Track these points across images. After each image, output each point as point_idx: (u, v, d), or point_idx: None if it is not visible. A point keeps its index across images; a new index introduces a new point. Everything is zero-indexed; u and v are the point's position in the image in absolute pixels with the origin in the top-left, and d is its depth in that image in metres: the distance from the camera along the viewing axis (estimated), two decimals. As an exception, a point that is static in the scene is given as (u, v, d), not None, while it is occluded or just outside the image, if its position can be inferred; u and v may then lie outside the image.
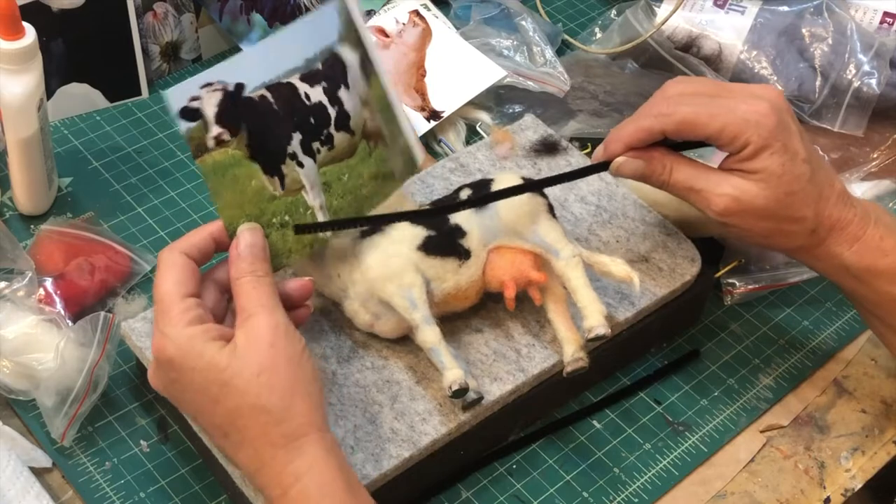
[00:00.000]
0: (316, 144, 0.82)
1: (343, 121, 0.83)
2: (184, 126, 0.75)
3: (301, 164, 0.81)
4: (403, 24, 1.16)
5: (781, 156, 0.80)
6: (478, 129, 1.12)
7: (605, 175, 1.00)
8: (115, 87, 1.13)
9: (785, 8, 1.19)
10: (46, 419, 0.85)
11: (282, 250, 0.80)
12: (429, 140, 1.11)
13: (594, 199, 0.98)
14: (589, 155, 1.03)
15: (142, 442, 0.87)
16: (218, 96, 0.76)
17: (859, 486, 0.90)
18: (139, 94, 1.14)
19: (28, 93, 0.93)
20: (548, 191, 0.88)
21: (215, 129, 0.76)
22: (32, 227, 1.00)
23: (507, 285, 0.84)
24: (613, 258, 0.86)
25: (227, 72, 0.77)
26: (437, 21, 1.17)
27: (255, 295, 0.74)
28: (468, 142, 1.12)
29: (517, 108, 1.13)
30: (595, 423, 0.91)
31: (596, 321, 0.82)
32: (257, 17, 1.16)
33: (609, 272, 0.85)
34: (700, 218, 0.99)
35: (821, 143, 1.12)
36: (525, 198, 0.85)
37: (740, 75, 1.17)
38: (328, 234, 0.82)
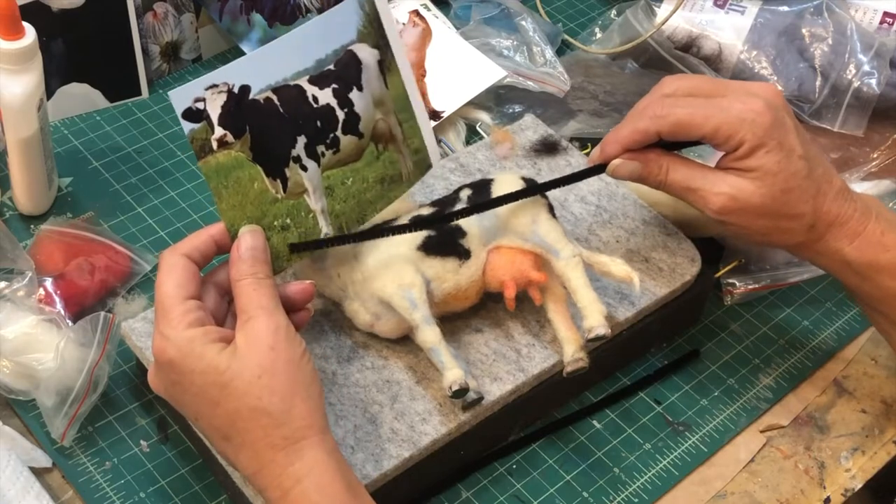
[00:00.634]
0: (321, 148, 0.82)
1: (352, 124, 0.83)
2: (187, 127, 0.76)
3: (304, 168, 0.81)
4: (403, 24, 1.16)
5: (777, 153, 0.81)
6: (478, 129, 1.12)
7: (604, 175, 1.00)
8: (115, 87, 1.13)
9: (785, 8, 1.19)
10: (46, 419, 0.85)
11: (283, 253, 0.80)
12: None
13: (594, 199, 0.98)
14: (589, 155, 1.03)
15: (142, 442, 0.87)
16: (222, 98, 0.76)
17: (859, 486, 0.90)
18: (139, 94, 1.14)
19: (28, 93, 0.93)
20: (547, 192, 0.88)
21: (219, 132, 0.76)
22: (32, 227, 1.00)
23: (507, 285, 0.84)
24: (613, 258, 0.86)
25: (234, 73, 0.77)
26: (437, 21, 1.17)
27: (255, 297, 0.73)
28: (468, 142, 1.12)
29: (517, 108, 1.13)
30: (595, 423, 0.91)
31: (596, 321, 0.82)
32: (257, 17, 1.16)
33: (609, 272, 0.85)
34: (700, 218, 0.99)
35: (821, 143, 1.12)
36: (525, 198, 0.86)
37: (740, 75, 1.17)
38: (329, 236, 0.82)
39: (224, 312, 0.78)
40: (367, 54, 0.83)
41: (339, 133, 0.82)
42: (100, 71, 1.11)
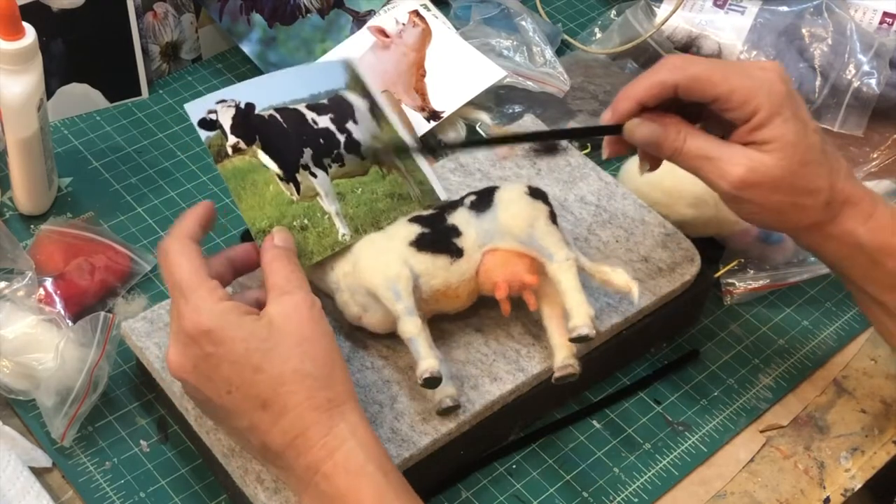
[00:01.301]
0: (327, 160, 0.86)
1: (353, 145, 0.88)
2: (204, 135, 0.83)
3: (314, 175, 0.85)
4: (403, 24, 1.16)
5: (794, 124, 0.78)
6: (478, 129, 1.12)
7: (604, 175, 1.00)
8: (115, 87, 1.13)
9: (785, 8, 1.19)
10: (46, 419, 0.85)
11: (304, 251, 0.82)
12: (429, 140, 1.10)
13: (594, 199, 0.98)
14: (589, 155, 1.03)
15: (142, 442, 0.87)
16: (231, 111, 0.84)
17: (859, 486, 0.90)
18: (139, 94, 1.14)
19: (28, 93, 0.93)
20: (547, 191, 0.88)
21: (232, 139, 0.83)
22: (32, 227, 1.00)
23: (499, 286, 0.84)
24: (615, 268, 0.85)
25: (239, 93, 0.85)
26: (437, 21, 1.17)
27: (293, 276, 0.75)
28: (468, 142, 1.12)
29: (517, 108, 1.13)
30: (595, 422, 0.91)
31: (581, 321, 0.82)
32: (257, 17, 1.16)
33: (609, 281, 0.85)
34: (700, 218, 0.99)
35: (821, 143, 1.12)
36: (526, 203, 0.85)
37: (740, 75, 1.17)
38: (348, 238, 0.84)
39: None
40: (357, 99, 0.90)
41: (342, 150, 0.87)
42: (100, 71, 1.11)
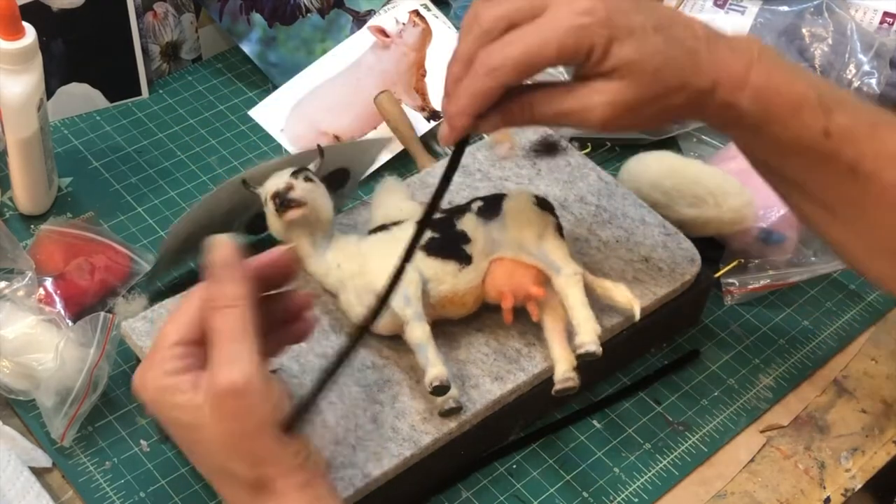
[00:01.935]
0: None
1: None
2: None
3: None
4: (403, 24, 1.16)
5: (630, 41, 0.71)
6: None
7: (604, 175, 1.00)
8: (115, 87, 1.13)
9: (785, 8, 1.19)
10: (46, 419, 0.84)
11: None
12: (429, 140, 1.10)
13: (594, 199, 0.98)
14: (589, 154, 1.03)
15: (142, 442, 0.87)
16: None
17: (859, 486, 0.90)
18: (139, 94, 1.14)
19: (28, 93, 0.93)
20: (546, 192, 0.88)
21: None
22: (32, 227, 1.00)
23: (504, 296, 0.84)
24: (617, 284, 0.86)
25: None
26: (437, 21, 1.17)
27: (224, 332, 0.66)
28: (468, 142, 1.11)
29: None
30: (595, 422, 0.91)
31: (588, 338, 0.82)
32: (257, 17, 1.16)
33: (612, 297, 0.85)
34: (700, 218, 0.99)
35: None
36: (535, 213, 0.86)
37: (740, 75, 1.17)
38: None
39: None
40: None
41: None
42: (100, 71, 1.11)
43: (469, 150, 1.01)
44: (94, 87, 1.12)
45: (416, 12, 1.17)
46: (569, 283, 0.84)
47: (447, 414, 0.82)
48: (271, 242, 0.90)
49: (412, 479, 0.81)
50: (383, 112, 1.08)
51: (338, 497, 0.70)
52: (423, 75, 1.13)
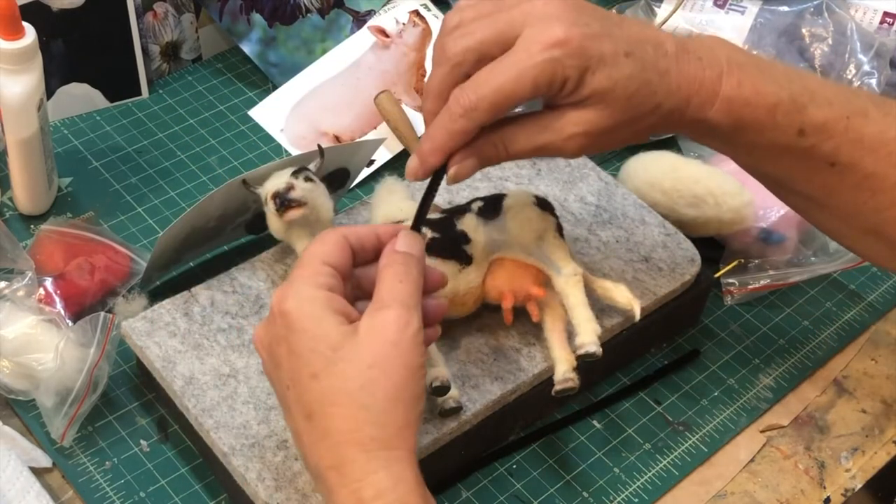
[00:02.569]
0: None
1: None
2: None
3: None
4: (403, 24, 1.16)
5: (602, 68, 0.70)
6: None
7: (604, 175, 1.00)
8: (115, 87, 1.13)
9: (785, 8, 1.19)
10: (46, 419, 0.85)
11: None
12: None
13: (594, 199, 0.98)
14: (585, 156, 1.03)
15: (142, 442, 0.87)
16: None
17: (859, 486, 0.90)
18: (139, 94, 1.14)
19: (28, 93, 0.93)
20: (546, 192, 0.88)
21: None
22: (32, 227, 1.00)
23: (505, 296, 0.84)
24: (617, 284, 0.86)
25: None
26: (437, 21, 1.17)
27: (398, 290, 0.67)
28: (468, 142, 1.11)
29: (517, 108, 1.12)
30: (595, 422, 0.91)
31: (588, 339, 0.82)
32: (257, 17, 1.16)
33: (612, 297, 0.85)
34: (700, 218, 0.99)
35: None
36: (535, 214, 0.86)
37: (740, 75, 1.17)
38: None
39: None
40: None
41: None
42: (100, 71, 1.11)
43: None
44: (94, 87, 1.12)
45: (416, 12, 1.17)
46: (569, 283, 0.84)
47: (447, 414, 0.82)
48: (271, 242, 0.90)
49: (412, 479, 0.81)
50: (383, 112, 1.08)
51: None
52: (423, 75, 1.13)
